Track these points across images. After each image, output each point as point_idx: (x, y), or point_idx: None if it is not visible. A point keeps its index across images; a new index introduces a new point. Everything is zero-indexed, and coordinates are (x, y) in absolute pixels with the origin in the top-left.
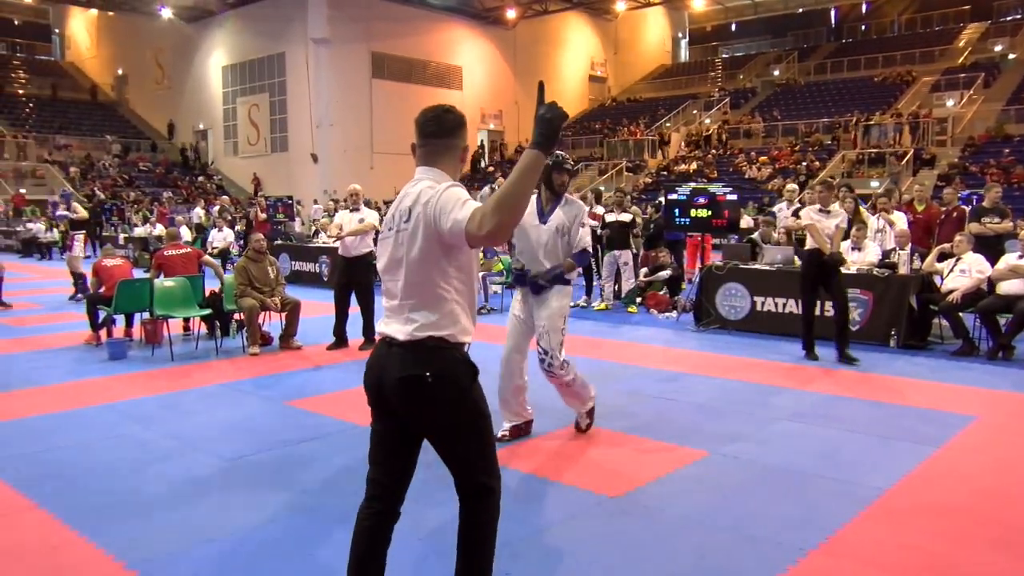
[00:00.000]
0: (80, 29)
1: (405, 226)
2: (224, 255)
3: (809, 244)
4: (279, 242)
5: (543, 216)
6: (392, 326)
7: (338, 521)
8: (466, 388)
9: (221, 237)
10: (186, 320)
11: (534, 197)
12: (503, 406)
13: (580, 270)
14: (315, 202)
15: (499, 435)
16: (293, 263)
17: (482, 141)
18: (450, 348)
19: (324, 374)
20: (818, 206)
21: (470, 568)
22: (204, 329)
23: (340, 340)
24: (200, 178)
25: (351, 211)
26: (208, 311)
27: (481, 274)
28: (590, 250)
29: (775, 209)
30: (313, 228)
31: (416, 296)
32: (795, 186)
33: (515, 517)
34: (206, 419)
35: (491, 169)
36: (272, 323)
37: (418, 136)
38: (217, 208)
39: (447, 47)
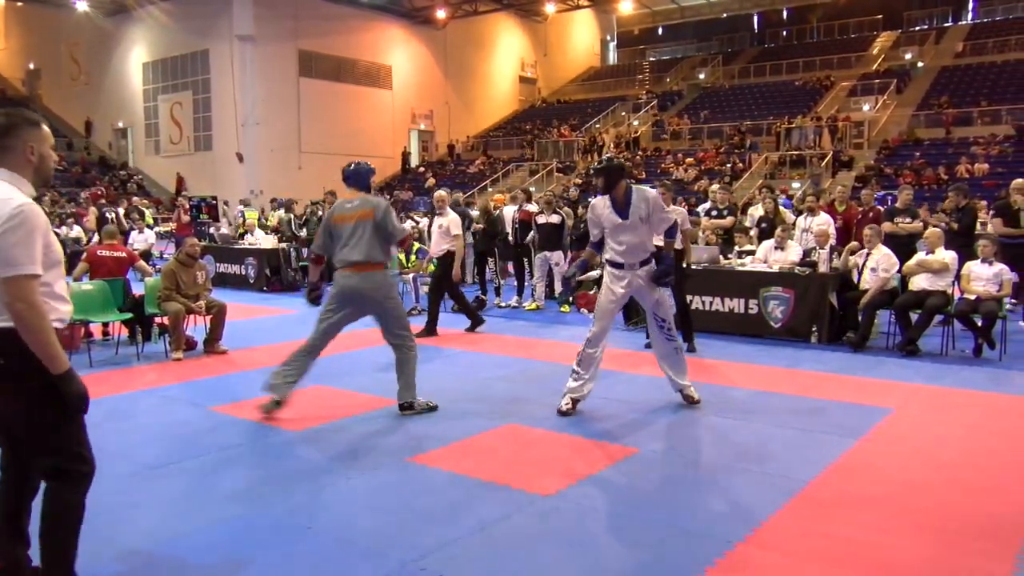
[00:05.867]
0: None
1: None
2: (145, 258)
3: (678, 244)
4: (203, 243)
5: (624, 214)
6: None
7: (267, 527)
8: None
9: (142, 239)
10: (105, 324)
11: (608, 201)
12: (584, 381)
13: (512, 269)
14: (240, 203)
15: (564, 406)
16: (218, 265)
17: (405, 147)
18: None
19: (250, 378)
20: None
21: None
22: (125, 334)
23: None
24: (123, 172)
25: (437, 215)
26: (129, 315)
27: (412, 275)
28: (677, 222)
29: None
30: (240, 230)
31: None
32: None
33: (448, 518)
34: (128, 426)
35: (422, 169)
36: (196, 327)
37: None
38: (123, 209)
39: (376, 46)
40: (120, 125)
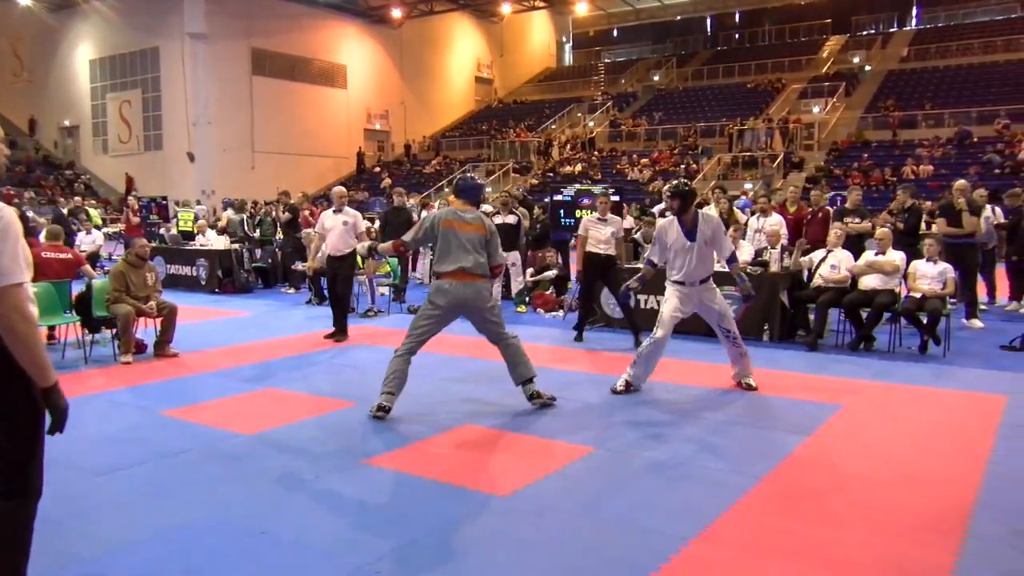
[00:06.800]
0: None
1: None
2: (93, 259)
3: (588, 247)
4: (153, 244)
5: (691, 235)
6: None
7: (220, 533)
8: None
9: (90, 240)
10: (51, 328)
11: (677, 223)
12: (644, 371)
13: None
14: (198, 202)
15: (619, 386)
16: (169, 266)
17: (360, 148)
18: None
19: (202, 382)
20: (596, 215)
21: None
22: (77, 335)
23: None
24: (70, 172)
25: (335, 212)
26: (77, 318)
27: (366, 277)
28: (735, 251)
29: (655, 210)
30: (176, 230)
31: None
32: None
33: (404, 521)
34: (76, 432)
35: (378, 169)
36: (146, 330)
37: None
38: (67, 209)
39: (331, 45)
40: (66, 123)
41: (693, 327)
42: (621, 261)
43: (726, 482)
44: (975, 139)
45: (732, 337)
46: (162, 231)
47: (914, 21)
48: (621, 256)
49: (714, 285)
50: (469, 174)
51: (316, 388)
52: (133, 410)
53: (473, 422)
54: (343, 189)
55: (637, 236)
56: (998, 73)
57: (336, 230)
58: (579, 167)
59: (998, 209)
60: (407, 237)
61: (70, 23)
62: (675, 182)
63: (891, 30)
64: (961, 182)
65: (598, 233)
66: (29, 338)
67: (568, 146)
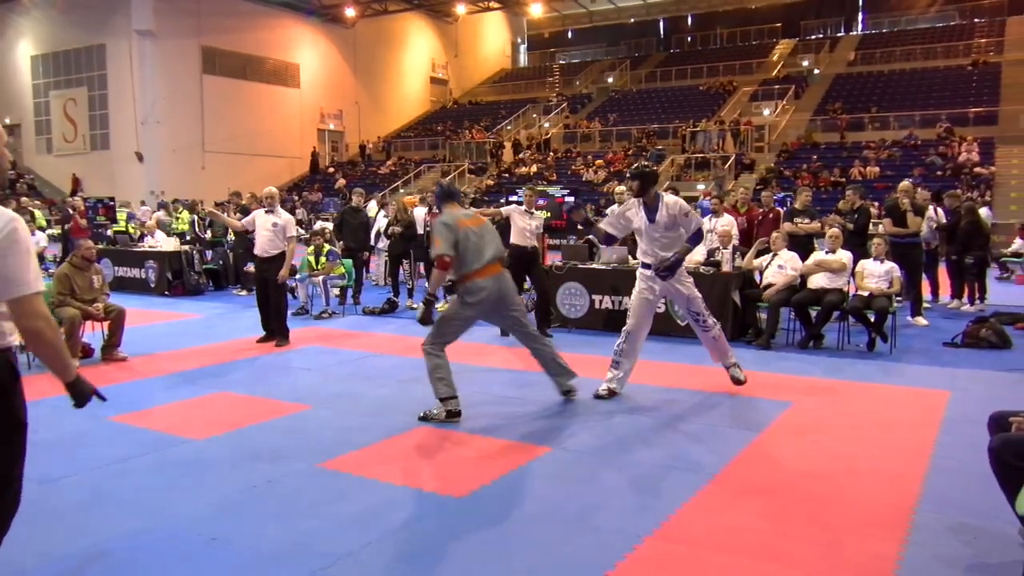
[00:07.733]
0: None
1: None
2: (37, 261)
3: (513, 239)
4: (100, 246)
5: (652, 217)
6: None
7: (170, 540)
8: None
9: (33, 241)
10: None
11: (639, 204)
12: (626, 370)
13: (424, 270)
14: (143, 203)
15: (602, 391)
16: (116, 269)
17: (315, 148)
18: None
19: (152, 386)
20: (524, 207)
21: None
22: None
23: (269, 334)
24: (11, 172)
25: (266, 212)
26: None
27: (321, 277)
28: (703, 228)
29: (608, 211)
30: (139, 232)
31: None
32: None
33: (359, 524)
34: None
35: (332, 170)
36: (93, 333)
37: None
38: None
39: (284, 44)
40: (7, 121)
41: (653, 328)
42: (542, 255)
43: (680, 480)
44: (919, 142)
45: (701, 320)
46: (109, 232)
47: (860, 26)
48: (542, 251)
49: (683, 267)
50: (441, 180)
51: (269, 391)
52: (80, 416)
53: (430, 424)
54: (274, 189)
55: (592, 237)
56: (939, 78)
57: (265, 231)
58: (534, 168)
59: (940, 210)
60: (444, 250)
61: (9, 18)
62: (637, 163)
63: (839, 35)
64: (906, 183)
65: (524, 224)
66: (54, 341)
67: (527, 148)
